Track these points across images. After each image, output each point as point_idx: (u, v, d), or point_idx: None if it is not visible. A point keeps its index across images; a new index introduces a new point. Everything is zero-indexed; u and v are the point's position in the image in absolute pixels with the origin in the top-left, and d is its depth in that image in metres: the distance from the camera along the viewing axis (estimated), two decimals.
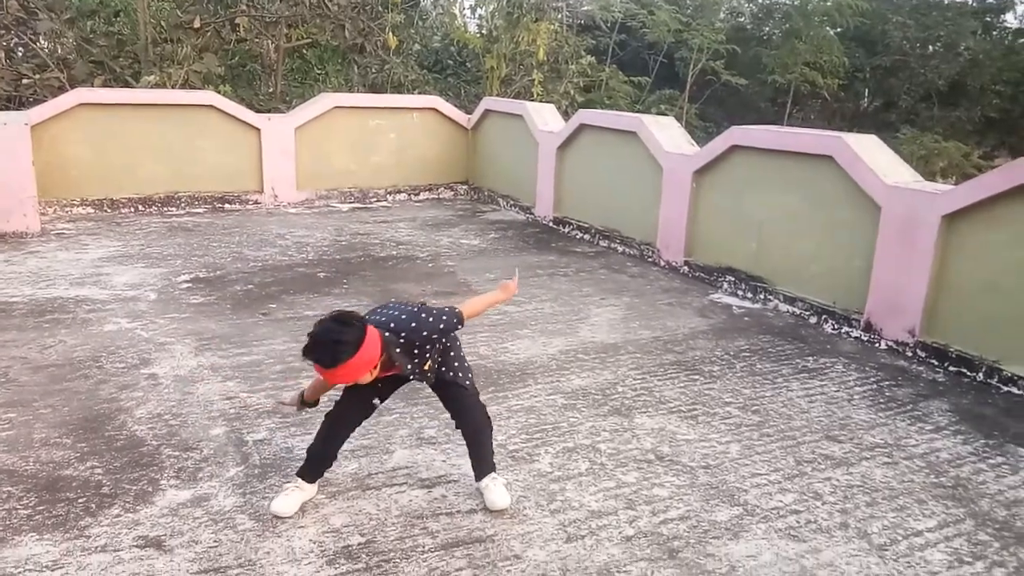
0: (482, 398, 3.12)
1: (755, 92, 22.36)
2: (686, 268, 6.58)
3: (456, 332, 2.94)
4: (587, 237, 7.81)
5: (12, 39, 10.82)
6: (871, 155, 5.16)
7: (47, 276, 5.85)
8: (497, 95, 12.19)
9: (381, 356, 2.66)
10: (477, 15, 14.54)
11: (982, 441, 3.74)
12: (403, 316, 2.78)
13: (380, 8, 12.71)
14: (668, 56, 20.41)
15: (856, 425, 3.86)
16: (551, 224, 8.38)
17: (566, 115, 9.12)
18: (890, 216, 4.93)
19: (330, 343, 2.55)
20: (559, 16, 14.71)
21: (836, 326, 5.31)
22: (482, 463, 3.05)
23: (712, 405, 4.03)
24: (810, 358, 4.79)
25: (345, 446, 3.40)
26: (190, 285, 5.78)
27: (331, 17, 11.74)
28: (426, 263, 6.69)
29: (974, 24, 23.62)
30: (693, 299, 5.94)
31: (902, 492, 3.24)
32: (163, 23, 11.50)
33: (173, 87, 10.14)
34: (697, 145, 6.83)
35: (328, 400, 3.12)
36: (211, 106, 8.40)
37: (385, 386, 2.97)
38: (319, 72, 13.80)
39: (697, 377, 4.40)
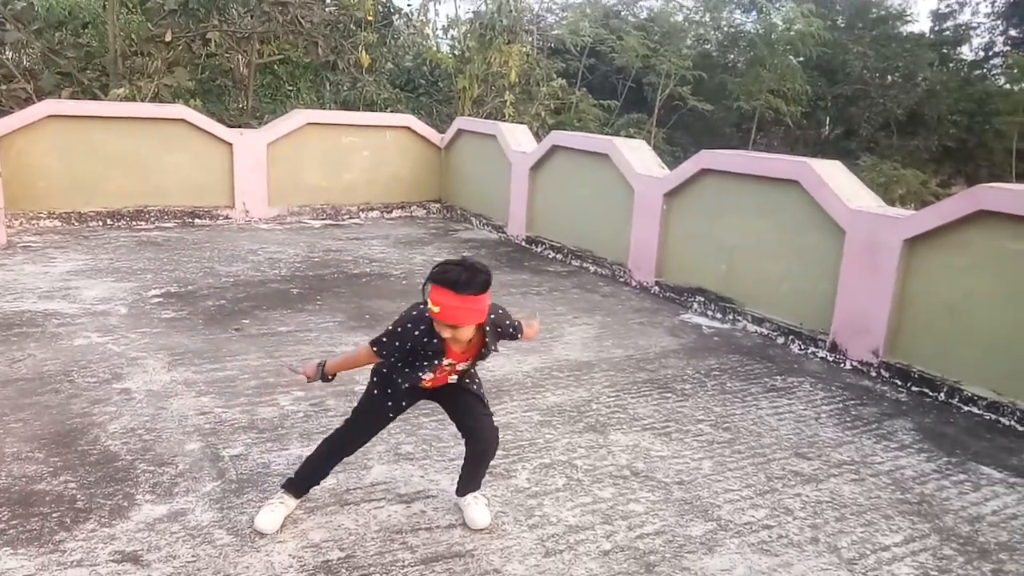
0: None
1: (720, 118, 22.83)
2: (657, 288, 6.69)
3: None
4: (560, 257, 7.90)
5: None
6: (835, 180, 5.32)
7: (14, 289, 5.75)
8: (469, 115, 12.30)
9: (485, 319, 2.67)
10: (449, 35, 14.70)
11: (945, 459, 3.87)
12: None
13: (353, 27, 12.78)
14: (637, 81, 20.78)
15: (824, 443, 3.96)
16: (523, 243, 8.46)
17: (537, 136, 9.23)
18: (854, 240, 5.08)
19: (480, 271, 2.52)
20: (530, 39, 14.92)
21: (803, 346, 5.44)
22: (472, 481, 3.06)
23: (685, 422, 4.10)
24: (778, 377, 4.90)
25: None
26: (161, 300, 5.73)
27: (304, 34, 11.77)
28: (400, 280, 6.71)
29: (931, 56, 24.40)
30: (664, 319, 6.04)
31: (869, 508, 3.34)
32: (133, 36, 11.42)
33: (143, 100, 10.07)
34: (667, 168, 6.97)
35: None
36: (183, 120, 8.35)
37: (410, 397, 2.92)
38: (290, 88, 13.80)
39: (669, 395, 4.47)
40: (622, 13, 23.51)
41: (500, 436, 3.06)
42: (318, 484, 3.06)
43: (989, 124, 23.23)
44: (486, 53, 12.61)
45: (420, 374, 2.80)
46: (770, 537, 3.07)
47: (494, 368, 4.70)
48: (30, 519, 2.89)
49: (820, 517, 3.24)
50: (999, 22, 28.24)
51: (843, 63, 23.58)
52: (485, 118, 12.07)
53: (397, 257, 7.61)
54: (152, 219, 8.39)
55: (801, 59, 21.96)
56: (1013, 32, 27.87)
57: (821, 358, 5.29)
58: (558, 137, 8.03)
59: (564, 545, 2.93)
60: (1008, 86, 24.03)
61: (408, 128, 9.81)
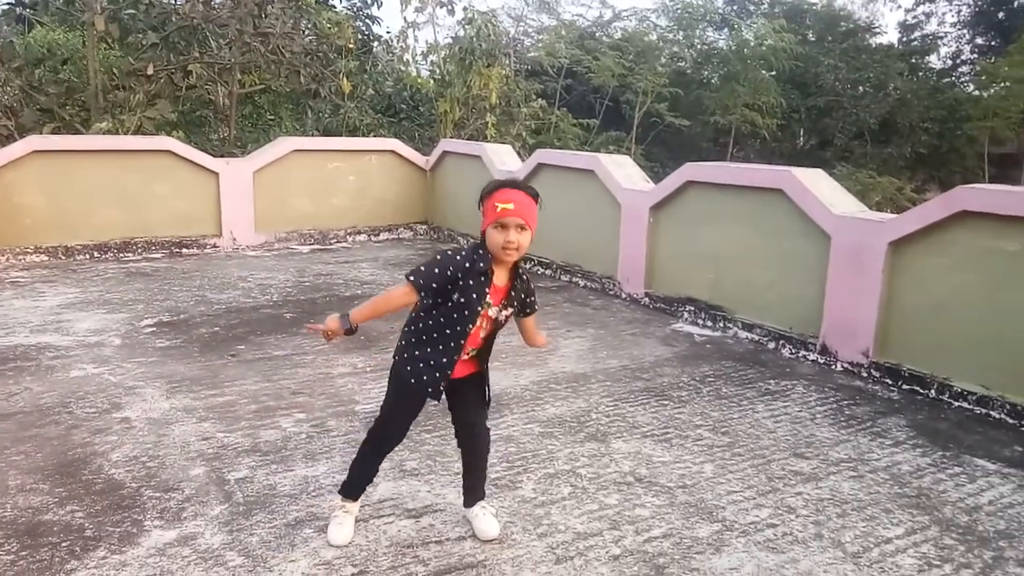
0: None
1: (697, 133, 23.15)
2: (647, 299, 6.77)
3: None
4: (549, 272, 7.96)
5: None
6: (819, 188, 5.43)
7: (5, 324, 5.73)
8: (451, 138, 12.41)
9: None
10: (429, 61, 14.84)
11: (939, 453, 3.94)
12: None
13: (333, 55, 12.89)
14: (614, 99, 21.04)
15: (821, 442, 4.02)
16: None
17: (520, 157, 9.34)
18: (839, 244, 5.19)
19: (525, 183, 2.78)
20: (508, 62, 15.10)
21: (794, 350, 5.53)
22: (476, 489, 3.09)
23: (683, 428, 4.16)
24: (772, 381, 4.97)
25: (329, 480, 3.44)
26: (155, 329, 5.72)
27: (285, 63, 11.85)
28: None
29: (901, 66, 24.91)
30: (656, 329, 6.11)
31: (870, 503, 3.40)
32: (114, 70, 11.46)
33: (126, 134, 10.08)
34: (652, 182, 7.08)
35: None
36: (168, 151, 8.38)
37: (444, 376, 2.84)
38: (272, 118, 13.87)
39: (667, 402, 4.53)
40: (597, 34, 23.83)
41: (503, 449, 3.10)
42: (371, 482, 3.09)
43: (960, 130, 23.74)
44: (466, 76, 12.75)
45: (468, 324, 2.72)
46: (775, 535, 3.12)
47: (492, 382, 4.72)
48: (39, 549, 2.88)
49: (822, 514, 3.29)
50: (965, 31, 28.93)
51: (815, 76, 24.03)
52: (467, 140, 12.18)
53: (387, 279, 7.64)
54: (140, 250, 8.38)
55: (774, 73, 22.35)
56: (979, 40, 28.54)
57: (812, 361, 5.37)
58: (543, 155, 8.13)
59: (574, 552, 2.97)
60: (977, 92, 24.57)
61: (393, 152, 9.89)
